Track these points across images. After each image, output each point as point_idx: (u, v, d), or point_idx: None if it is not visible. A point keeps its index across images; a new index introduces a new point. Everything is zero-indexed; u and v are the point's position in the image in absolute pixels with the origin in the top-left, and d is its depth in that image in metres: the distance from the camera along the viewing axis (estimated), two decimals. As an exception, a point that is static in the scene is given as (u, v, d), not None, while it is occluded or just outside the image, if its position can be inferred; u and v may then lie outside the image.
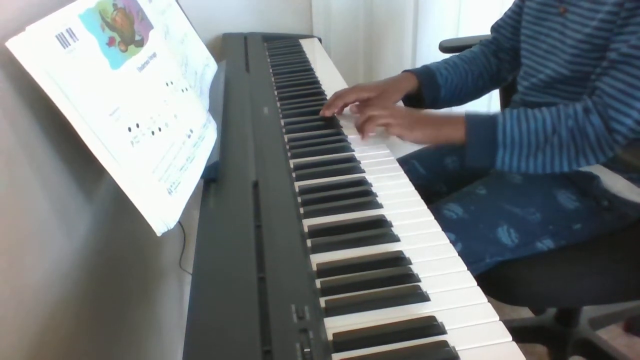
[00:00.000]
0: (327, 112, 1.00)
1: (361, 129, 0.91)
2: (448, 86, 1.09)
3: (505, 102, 1.33)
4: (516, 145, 0.83)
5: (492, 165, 0.85)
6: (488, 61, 1.13)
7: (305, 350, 0.47)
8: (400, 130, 0.88)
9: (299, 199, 0.76)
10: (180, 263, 1.15)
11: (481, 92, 1.16)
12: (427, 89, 1.08)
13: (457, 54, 1.16)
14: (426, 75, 1.08)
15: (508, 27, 1.10)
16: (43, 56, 0.51)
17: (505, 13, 1.12)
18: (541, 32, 0.97)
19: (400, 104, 1.09)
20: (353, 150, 0.90)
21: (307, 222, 0.70)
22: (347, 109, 1.03)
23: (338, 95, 1.01)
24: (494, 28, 1.15)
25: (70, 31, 0.55)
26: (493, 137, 0.84)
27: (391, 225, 0.69)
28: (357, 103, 1.02)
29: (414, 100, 1.10)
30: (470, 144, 0.85)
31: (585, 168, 0.90)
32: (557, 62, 0.91)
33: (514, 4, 1.09)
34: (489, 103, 1.77)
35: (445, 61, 1.13)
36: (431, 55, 1.16)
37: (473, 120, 0.86)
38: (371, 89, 1.03)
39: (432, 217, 0.71)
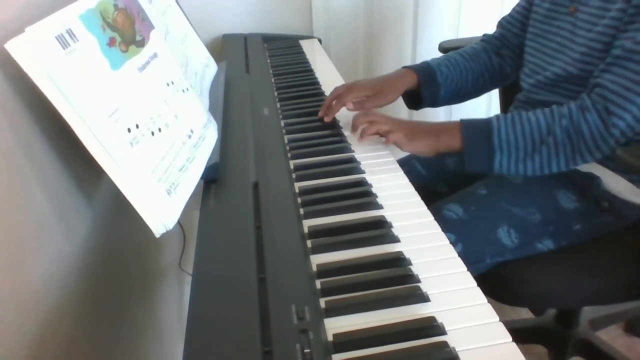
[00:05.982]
0: (327, 119, 1.00)
1: (361, 133, 0.92)
2: (448, 85, 1.08)
3: (505, 101, 1.32)
4: (512, 149, 0.84)
5: (490, 169, 0.86)
6: (490, 59, 1.12)
7: (306, 350, 0.47)
8: (400, 138, 0.88)
9: (299, 200, 0.76)
10: (180, 264, 1.15)
11: (481, 91, 1.14)
12: (426, 88, 1.07)
13: (458, 50, 1.14)
14: (426, 73, 1.07)
15: (516, 24, 1.09)
16: (42, 58, 0.51)
17: (514, 9, 1.10)
18: (550, 31, 0.96)
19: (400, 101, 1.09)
20: (353, 151, 0.90)
21: (307, 223, 0.70)
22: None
23: (336, 96, 1.01)
24: (501, 24, 1.13)
25: (70, 32, 0.55)
26: (489, 142, 0.84)
27: (391, 226, 0.69)
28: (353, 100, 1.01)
29: (413, 98, 1.10)
30: (467, 150, 0.86)
31: (586, 168, 0.90)
32: (564, 60, 0.91)
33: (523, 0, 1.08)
34: (489, 102, 1.77)
35: (446, 57, 1.11)
36: (431, 55, 1.15)
37: (468, 127, 0.86)
38: (368, 88, 1.03)
39: (432, 218, 0.71)
